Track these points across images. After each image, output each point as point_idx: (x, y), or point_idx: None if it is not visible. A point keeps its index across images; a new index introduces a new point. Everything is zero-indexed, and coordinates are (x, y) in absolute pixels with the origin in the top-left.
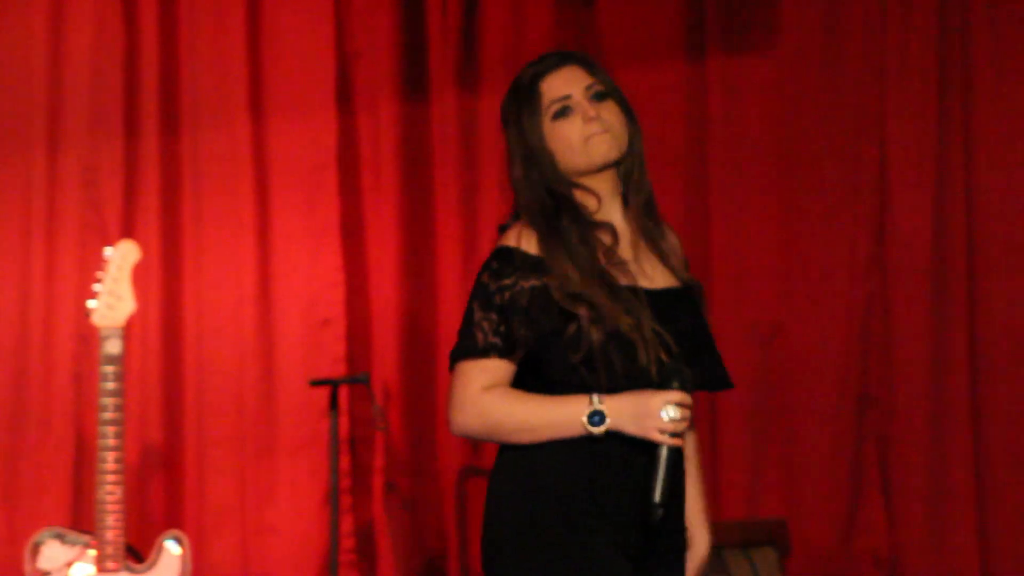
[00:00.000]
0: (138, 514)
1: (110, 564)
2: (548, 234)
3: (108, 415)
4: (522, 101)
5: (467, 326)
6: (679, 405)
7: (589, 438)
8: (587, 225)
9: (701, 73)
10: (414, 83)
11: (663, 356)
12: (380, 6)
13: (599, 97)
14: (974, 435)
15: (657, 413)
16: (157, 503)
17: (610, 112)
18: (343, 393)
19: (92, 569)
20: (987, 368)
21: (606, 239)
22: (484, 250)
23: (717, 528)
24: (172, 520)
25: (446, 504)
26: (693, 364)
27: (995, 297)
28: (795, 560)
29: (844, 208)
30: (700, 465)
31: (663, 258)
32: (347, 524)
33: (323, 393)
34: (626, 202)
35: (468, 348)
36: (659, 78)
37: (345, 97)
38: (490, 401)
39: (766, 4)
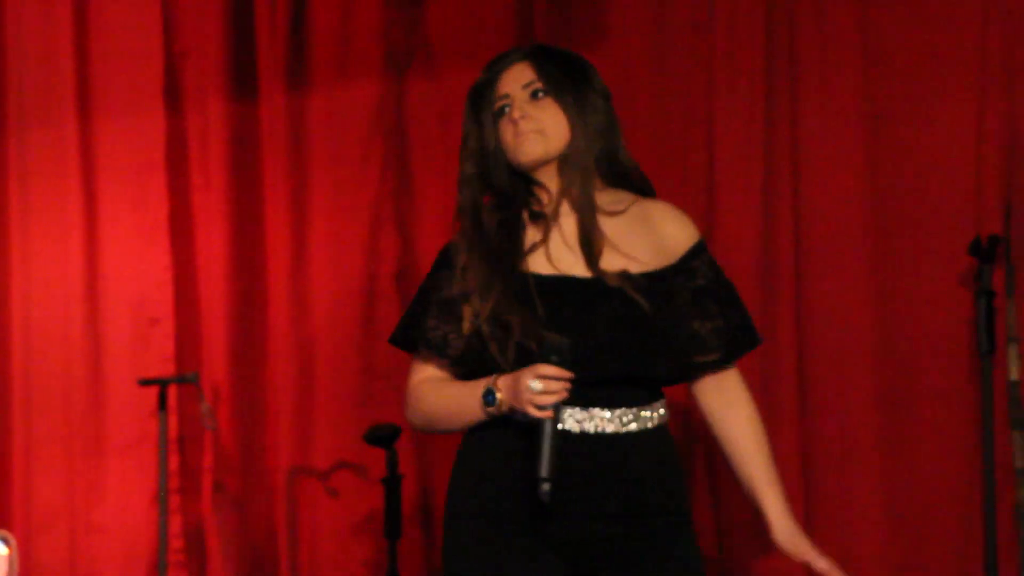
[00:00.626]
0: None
1: None
2: (470, 230)
3: None
4: (477, 99)
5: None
6: (547, 378)
7: (503, 425)
8: (511, 218)
9: None
10: (243, 82)
11: (550, 338)
12: (208, 5)
13: (536, 95)
14: (801, 434)
15: (527, 386)
16: None
17: (545, 111)
18: (172, 392)
19: None
20: (813, 364)
21: (532, 232)
22: (314, 249)
23: None
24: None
25: (276, 504)
26: (603, 351)
27: (822, 294)
28: None
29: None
30: (766, 463)
31: (617, 246)
32: (176, 524)
33: (152, 392)
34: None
35: (404, 342)
36: None
37: (173, 96)
38: (422, 392)
39: (594, 4)
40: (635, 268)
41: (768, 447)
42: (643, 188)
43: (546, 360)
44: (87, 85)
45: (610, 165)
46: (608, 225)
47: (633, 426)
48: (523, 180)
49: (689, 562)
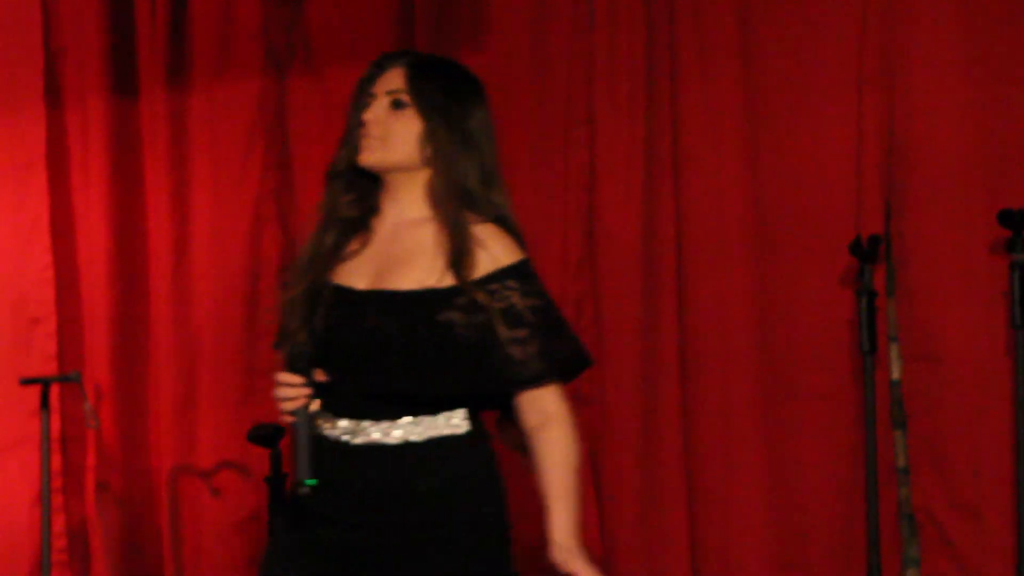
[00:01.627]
0: None
1: None
2: (320, 219)
3: None
4: (355, 95)
5: None
6: (285, 385)
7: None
8: (352, 221)
9: None
10: (123, 79)
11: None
12: (87, 1)
13: (396, 105)
14: (684, 432)
15: (274, 394)
16: None
17: (398, 121)
18: (54, 392)
19: None
20: (695, 365)
21: (358, 238)
22: (196, 247)
23: None
24: None
25: (159, 503)
26: (362, 365)
27: (703, 295)
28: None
29: (555, 208)
30: (558, 480)
31: (415, 262)
32: (59, 523)
33: (34, 392)
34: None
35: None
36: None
37: (53, 93)
38: None
39: (475, 3)
40: (424, 284)
41: (567, 468)
42: (496, 215)
43: (290, 368)
44: None
45: (470, 192)
46: (415, 239)
47: (404, 438)
48: (367, 177)
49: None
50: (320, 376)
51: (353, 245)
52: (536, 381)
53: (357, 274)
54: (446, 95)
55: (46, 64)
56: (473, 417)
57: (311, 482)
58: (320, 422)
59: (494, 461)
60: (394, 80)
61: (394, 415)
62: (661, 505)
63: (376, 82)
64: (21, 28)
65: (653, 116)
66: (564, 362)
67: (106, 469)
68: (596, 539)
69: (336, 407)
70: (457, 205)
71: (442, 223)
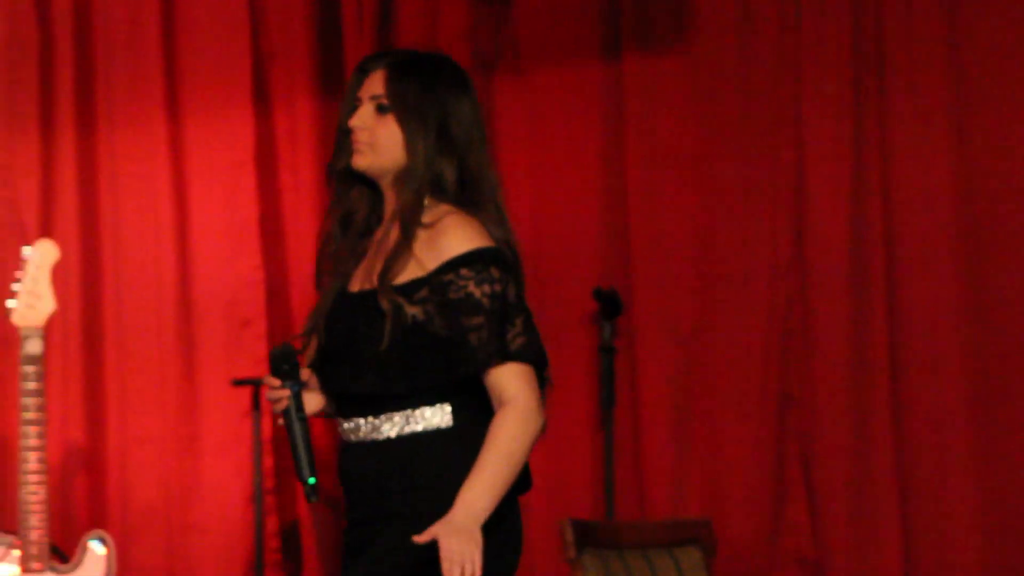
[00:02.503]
0: (61, 514)
1: (34, 564)
2: (333, 222)
3: (29, 415)
4: (347, 88)
5: None
6: (271, 388)
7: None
8: (352, 218)
9: (617, 72)
10: (330, 82)
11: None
12: (295, 7)
13: (380, 110)
14: (895, 432)
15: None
16: (81, 503)
17: (384, 127)
18: (265, 393)
19: (16, 569)
20: (906, 365)
21: (359, 239)
22: None
23: (643, 528)
24: (96, 520)
25: None
26: (335, 365)
27: (913, 295)
28: (720, 560)
29: (763, 208)
30: (482, 459)
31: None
32: (272, 523)
33: (245, 393)
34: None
35: None
36: (575, 77)
37: (262, 96)
38: None
39: (680, 3)
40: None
41: (502, 447)
42: (470, 204)
43: (275, 371)
44: (175, 86)
45: (440, 183)
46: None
47: (377, 435)
48: (367, 181)
49: (381, 555)
50: (305, 375)
51: (363, 248)
52: (488, 362)
53: (357, 278)
54: (423, 95)
55: (254, 67)
56: (460, 410)
57: (312, 480)
58: (338, 423)
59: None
60: (376, 84)
61: (376, 412)
62: (873, 505)
63: (362, 86)
64: (230, 32)
65: (860, 113)
66: (523, 346)
67: (317, 469)
68: (808, 539)
69: (338, 409)
70: (416, 202)
71: (398, 219)
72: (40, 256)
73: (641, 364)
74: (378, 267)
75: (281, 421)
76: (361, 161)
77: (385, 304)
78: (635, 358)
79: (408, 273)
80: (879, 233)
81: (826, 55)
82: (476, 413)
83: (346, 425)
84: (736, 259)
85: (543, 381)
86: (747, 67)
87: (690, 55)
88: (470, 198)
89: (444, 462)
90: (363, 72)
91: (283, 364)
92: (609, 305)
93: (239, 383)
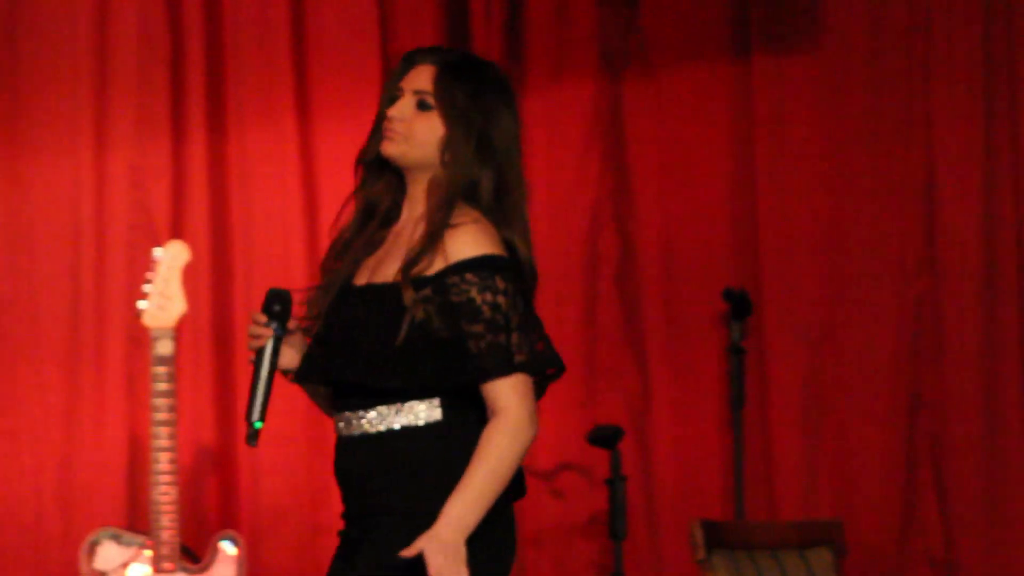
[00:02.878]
0: (192, 515)
1: (166, 565)
2: (356, 208)
3: (161, 416)
4: (391, 74)
5: None
6: (253, 323)
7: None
8: (374, 211)
9: (746, 72)
10: None
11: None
12: (424, 7)
13: (422, 106)
14: None
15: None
16: (211, 503)
17: (423, 122)
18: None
19: (148, 570)
20: None
21: (377, 230)
22: (535, 249)
23: (773, 529)
24: (227, 520)
25: None
26: (335, 358)
27: None
28: (851, 561)
29: (893, 208)
30: (470, 473)
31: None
32: None
33: None
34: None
35: None
36: (703, 77)
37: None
38: None
39: (810, 3)
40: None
41: (491, 460)
42: (495, 213)
43: (266, 308)
44: (305, 88)
45: (475, 191)
46: (412, 236)
47: (368, 429)
48: (395, 172)
49: (379, 555)
50: (291, 325)
51: (378, 241)
52: (487, 376)
53: (364, 270)
54: (472, 101)
55: (383, 68)
56: (450, 405)
57: (258, 424)
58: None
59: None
60: (423, 79)
61: (367, 405)
62: (1005, 506)
63: (405, 77)
64: (359, 32)
65: (991, 113)
66: (523, 361)
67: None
68: (939, 540)
69: (333, 403)
70: (449, 205)
71: (426, 218)
72: (171, 257)
73: (771, 364)
74: (392, 262)
75: (252, 357)
76: (393, 149)
77: (408, 300)
78: (764, 358)
79: (417, 268)
80: (1011, 234)
81: (956, 55)
82: (465, 408)
83: (339, 420)
84: (866, 259)
85: (544, 385)
86: (876, 67)
87: (819, 55)
88: (500, 209)
89: (432, 457)
90: (409, 63)
91: (275, 305)
92: (739, 305)
93: None
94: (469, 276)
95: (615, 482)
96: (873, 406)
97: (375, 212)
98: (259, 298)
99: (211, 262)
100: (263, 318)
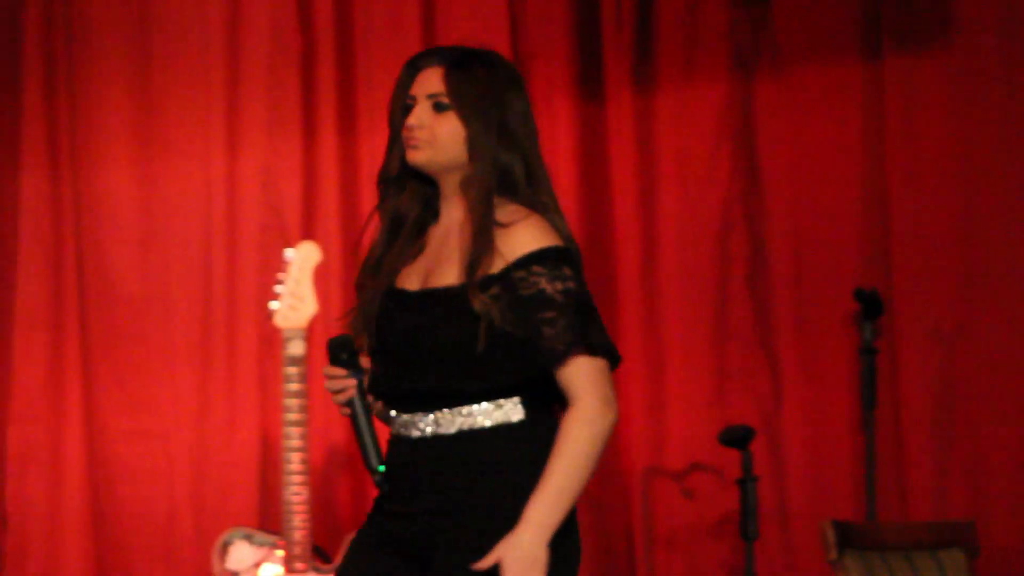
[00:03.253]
0: (324, 514)
1: (298, 565)
2: (381, 223)
3: (292, 416)
4: (397, 85)
5: None
6: (331, 377)
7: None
8: (403, 223)
9: (877, 71)
10: (590, 83)
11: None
12: (554, 7)
13: (438, 108)
14: None
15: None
16: (343, 503)
17: (443, 124)
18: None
19: (280, 570)
20: None
21: (410, 240)
22: (663, 251)
23: (905, 529)
24: (358, 520)
25: (631, 505)
26: (404, 363)
27: None
28: (983, 562)
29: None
30: (550, 472)
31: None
32: None
33: None
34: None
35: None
36: (835, 76)
37: None
38: None
39: (941, 2)
40: (453, 282)
41: (569, 457)
42: (542, 207)
43: (334, 360)
44: None
45: (516, 184)
46: (461, 238)
47: (453, 429)
48: (420, 180)
49: (464, 555)
50: (365, 363)
51: (415, 248)
52: (566, 354)
53: (412, 277)
54: (485, 93)
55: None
56: (530, 404)
57: (382, 468)
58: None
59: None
60: (433, 82)
61: (445, 407)
62: None
63: (413, 84)
64: (489, 34)
65: None
66: (600, 342)
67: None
68: None
69: (394, 403)
70: (486, 205)
71: (469, 223)
72: (303, 258)
73: (903, 365)
74: (448, 265)
75: (346, 411)
76: (419, 156)
77: (477, 304)
78: (896, 359)
79: (480, 270)
80: None
81: None
82: (545, 405)
83: (406, 420)
84: (999, 258)
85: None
86: (1010, 66)
87: (951, 54)
88: (536, 193)
89: (515, 456)
90: (414, 69)
91: (342, 353)
92: (870, 305)
93: None
94: (536, 268)
95: (746, 482)
96: (1006, 405)
97: (403, 223)
98: None
99: (342, 263)
100: (339, 370)
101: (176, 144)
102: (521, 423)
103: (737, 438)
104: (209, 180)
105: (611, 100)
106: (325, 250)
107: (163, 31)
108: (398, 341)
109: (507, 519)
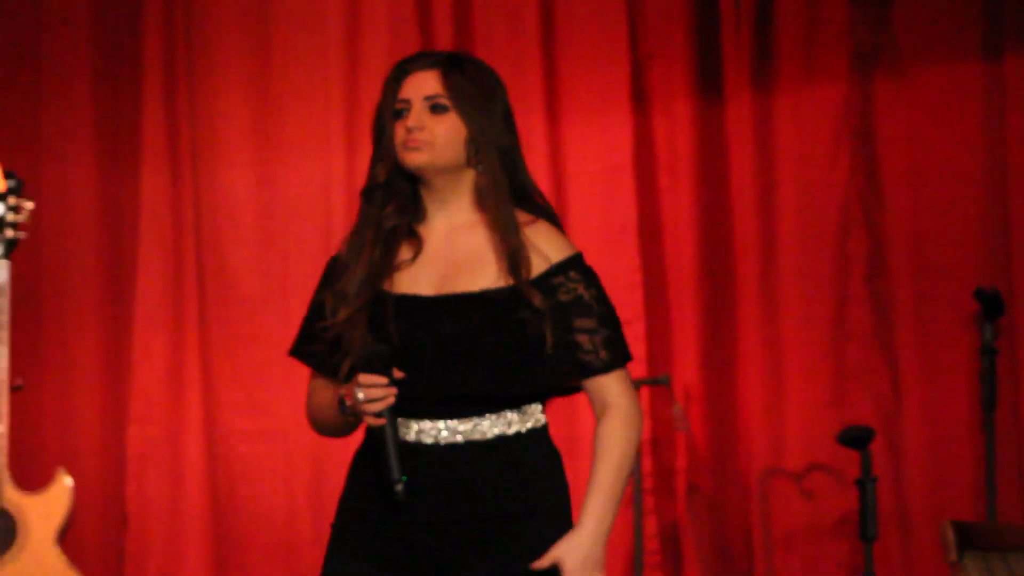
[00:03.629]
0: None
1: None
2: (358, 227)
3: None
4: (384, 92)
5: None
6: (368, 387)
7: (367, 436)
8: (396, 229)
9: (998, 71)
10: (708, 83)
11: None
12: (673, 7)
13: (436, 109)
14: None
15: (356, 397)
16: None
17: (441, 124)
18: (644, 394)
19: None
20: None
21: (406, 245)
22: (782, 251)
23: (1003, 531)
24: None
25: (749, 505)
26: (441, 369)
27: None
28: None
29: None
30: (600, 477)
31: (492, 262)
32: (651, 525)
33: None
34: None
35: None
36: (955, 76)
37: (640, 98)
38: (309, 397)
39: None
40: (491, 285)
41: (611, 460)
42: (546, 212)
43: (368, 368)
44: (554, 89)
45: (513, 186)
46: (473, 243)
47: (475, 436)
48: (408, 182)
49: (524, 556)
50: (398, 374)
51: (404, 254)
52: (605, 369)
53: (419, 281)
54: (482, 92)
55: (632, 69)
56: (543, 409)
57: (404, 479)
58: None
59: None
60: (429, 84)
61: (478, 412)
62: None
63: (403, 86)
64: (608, 33)
65: None
66: (626, 351)
67: (696, 471)
68: None
69: (413, 411)
70: (507, 204)
71: (493, 224)
72: None
73: None
74: (473, 270)
75: (379, 421)
76: (420, 158)
77: (538, 301)
78: (1017, 359)
79: (508, 278)
80: None
81: None
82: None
83: (422, 426)
84: None
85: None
86: None
87: None
88: (527, 192)
89: (550, 459)
90: (403, 73)
91: (379, 363)
92: (991, 305)
93: None
94: (573, 274)
95: (865, 483)
96: None
97: (384, 231)
98: None
99: None
100: (380, 378)
101: (295, 144)
102: (544, 427)
103: (856, 438)
104: (328, 180)
105: (730, 100)
106: None
107: (281, 31)
108: (433, 347)
109: (551, 521)
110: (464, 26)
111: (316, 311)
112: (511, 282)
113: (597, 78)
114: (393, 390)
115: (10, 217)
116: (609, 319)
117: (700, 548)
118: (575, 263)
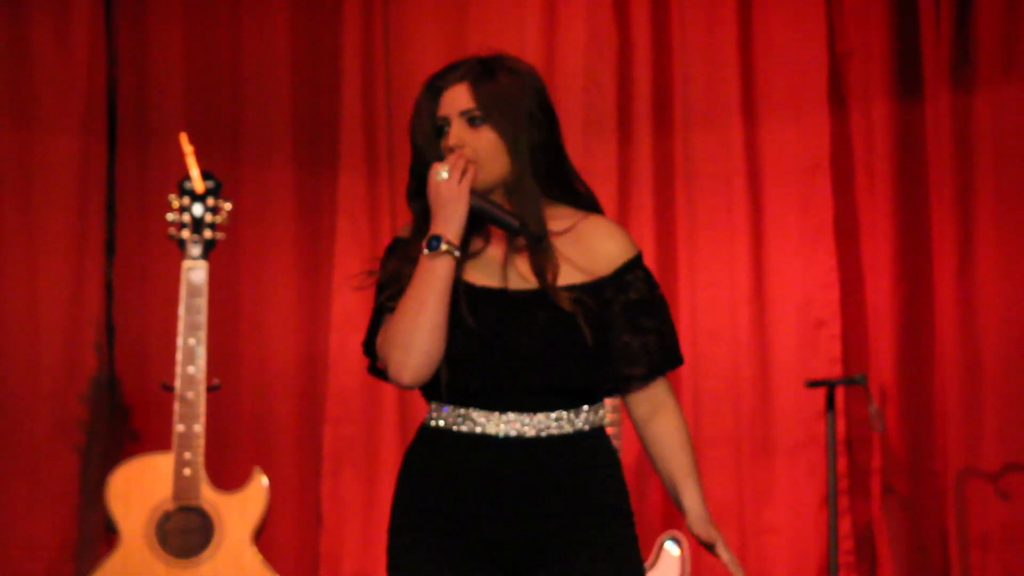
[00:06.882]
0: (637, 516)
1: None
2: (415, 224)
3: None
4: (416, 115)
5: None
6: (447, 164)
7: (435, 439)
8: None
9: None
10: (907, 82)
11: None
12: (872, 5)
13: (473, 123)
14: None
15: (441, 181)
16: (655, 504)
17: (481, 139)
18: (839, 394)
19: None
20: None
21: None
22: (981, 252)
23: None
24: (669, 521)
25: (946, 506)
26: (525, 362)
27: None
28: None
29: None
30: (690, 467)
31: (566, 261)
32: (845, 525)
33: (819, 394)
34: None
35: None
36: None
37: (837, 97)
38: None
39: None
40: (568, 281)
41: (689, 449)
42: (589, 203)
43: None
44: (751, 88)
45: (552, 181)
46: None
47: (554, 431)
48: None
49: (614, 551)
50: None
51: (476, 244)
52: (668, 368)
53: (490, 274)
54: (514, 99)
55: (830, 67)
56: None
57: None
58: (472, 418)
59: None
60: (460, 99)
61: (550, 407)
62: None
63: (440, 103)
64: (805, 32)
65: None
66: (672, 359)
67: (891, 472)
68: None
69: (487, 401)
70: (535, 205)
71: (561, 223)
72: None
73: None
74: (540, 267)
75: (464, 184)
76: (469, 183)
77: (567, 305)
78: None
79: (569, 276)
80: None
81: None
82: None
83: (497, 418)
84: None
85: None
86: None
87: None
88: (574, 184)
89: (614, 455)
90: (436, 92)
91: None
92: None
93: (813, 384)
94: (639, 273)
95: None
96: None
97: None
98: (704, 297)
99: (656, 262)
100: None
101: None
102: (604, 425)
103: None
104: None
105: (929, 99)
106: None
107: (480, 32)
108: (532, 340)
109: (624, 517)
110: (661, 22)
111: (382, 288)
112: (591, 277)
113: (794, 77)
114: (473, 163)
115: (208, 218)
116: (669, 319)
117: (895, 549)
118: (639, 262)
